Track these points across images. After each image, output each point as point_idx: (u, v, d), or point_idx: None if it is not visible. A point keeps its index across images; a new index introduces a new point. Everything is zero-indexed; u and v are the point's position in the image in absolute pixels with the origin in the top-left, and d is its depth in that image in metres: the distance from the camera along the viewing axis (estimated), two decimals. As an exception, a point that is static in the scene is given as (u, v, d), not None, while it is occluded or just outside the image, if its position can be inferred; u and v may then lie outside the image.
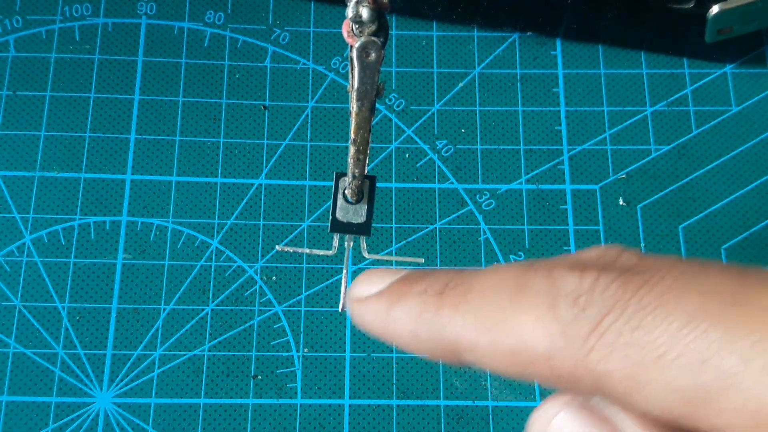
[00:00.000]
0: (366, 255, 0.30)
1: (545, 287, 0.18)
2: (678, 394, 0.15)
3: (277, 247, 0.31)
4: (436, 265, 0.45)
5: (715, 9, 0.45)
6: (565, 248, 0.45)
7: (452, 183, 0.46)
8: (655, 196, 0.46)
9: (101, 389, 0.41)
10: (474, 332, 0.18)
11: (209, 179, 0.46)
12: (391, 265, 0.44)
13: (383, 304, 0.21)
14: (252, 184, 0.46)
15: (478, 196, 0.46)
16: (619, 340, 0.16)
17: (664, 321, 0.16)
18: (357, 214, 0.28)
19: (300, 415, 0.41)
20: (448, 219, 0.45)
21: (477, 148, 0.47)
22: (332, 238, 0.29)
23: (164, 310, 0.43)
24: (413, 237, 0.45)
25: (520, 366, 0.18)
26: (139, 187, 0.45)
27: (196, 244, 0.44)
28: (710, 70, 0.49)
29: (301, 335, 0.43)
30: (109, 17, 0.49)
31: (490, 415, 0.41)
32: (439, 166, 0.47)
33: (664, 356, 0.15)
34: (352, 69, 0.24)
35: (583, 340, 0.17)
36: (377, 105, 0.31)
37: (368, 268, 0.44)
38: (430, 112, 0.48)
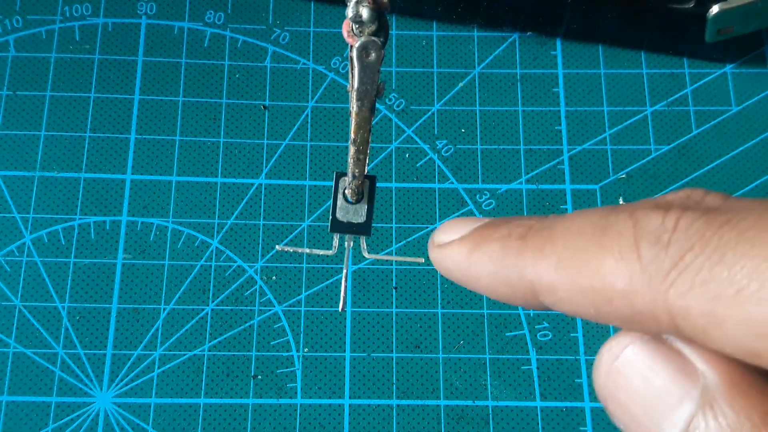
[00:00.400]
0: (366, 255, 0.30)
1: (628, 227, 0.18)
2: (755, 329, 0.15)
3: (277, 247, 0.31)
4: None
5: (715, 9, 0.45)
6: (565, 248, 0.45)
7: (452, 183, 0.46)
8: (655, 196, 0.46)
9: (101, 389, 0.41)
10: (554, 273, 0.19)
11: (209, 179, 0.46)
12: (391, 265, 0.44)
13: (465, 248, 0.21)
14: (252, 184, 0.46)
15: (478, 196, 0.46)
16: (699, 275, 0.16)
17: (744, 257, 0.16)
18: (357, 214, 0.28)
19: (300, 415, 0.41)
20: (448, 219, 0.45)
21: (477, 148, 0.47)
22: (332, 238, 0.29)
23: (164, 310, 0.43)
24: (413, 237, 0.45)
25: (598, 304, 0.18)
26: (139, 187, 0.45)
27: (196, 244, 0.44)
28: (710, 70, 0.49)
29: (301, 335, 0.43)
30: (109, 17, 0.49)
31: (490, 415, 0.41)
32: (439, 166, 0.47)
33: (743, 291, 0.15)
34: (352, 69, 0.24)
35: (664, 276, 0.17)
36: (377, 105, 0.31)
37: (368, 268, 0.44)
38: (430, 112, 0.48)
